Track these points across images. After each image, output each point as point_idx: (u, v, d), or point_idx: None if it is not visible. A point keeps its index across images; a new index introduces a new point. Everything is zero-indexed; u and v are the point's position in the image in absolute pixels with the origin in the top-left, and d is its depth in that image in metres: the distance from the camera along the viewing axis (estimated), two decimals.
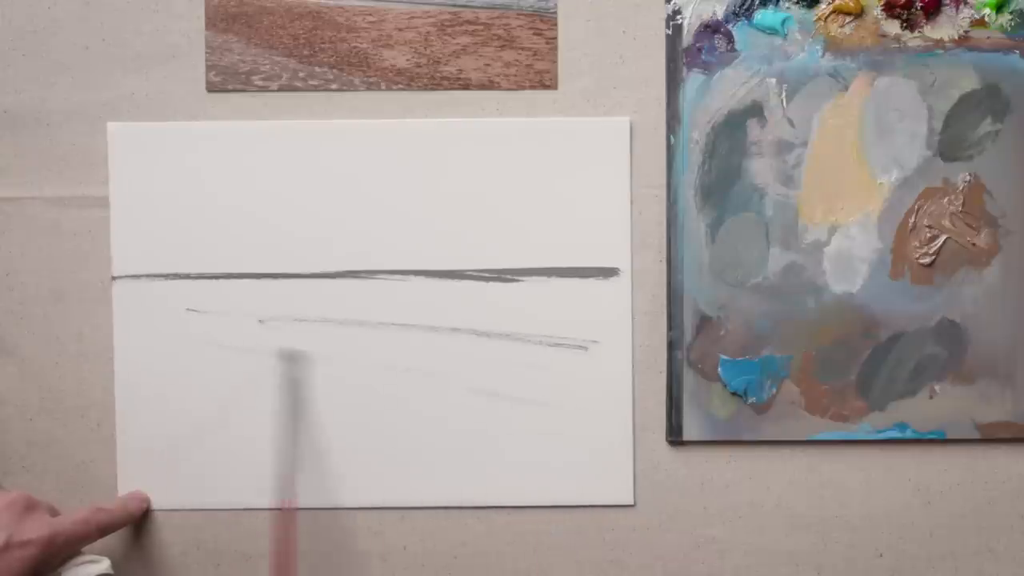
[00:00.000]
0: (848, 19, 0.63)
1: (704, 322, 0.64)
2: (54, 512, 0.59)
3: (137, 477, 0.64)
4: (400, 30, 0.64)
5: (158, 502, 0.64)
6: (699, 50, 0.63)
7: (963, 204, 0.64)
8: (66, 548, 0.57)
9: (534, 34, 0.64)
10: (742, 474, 0.65)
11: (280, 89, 0.64)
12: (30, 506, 0.56)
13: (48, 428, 0.64)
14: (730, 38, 0.63)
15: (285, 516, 0.62)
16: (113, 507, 0.61)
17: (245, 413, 0.64)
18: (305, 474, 0.64)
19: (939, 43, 0.63)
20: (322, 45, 0.64)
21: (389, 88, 0.64)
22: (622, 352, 0.64)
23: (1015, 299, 0.64)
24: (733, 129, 0.63)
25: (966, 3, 0.63)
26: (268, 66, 0.64)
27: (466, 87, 0.64)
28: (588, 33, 0.64)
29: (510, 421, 0.64)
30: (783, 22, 0.63)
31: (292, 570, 0.61)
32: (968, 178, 0.63)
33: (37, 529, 0.55)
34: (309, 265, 0.64)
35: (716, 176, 0.63)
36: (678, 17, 0.63)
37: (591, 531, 0.65)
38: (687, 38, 0.63)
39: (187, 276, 0.64)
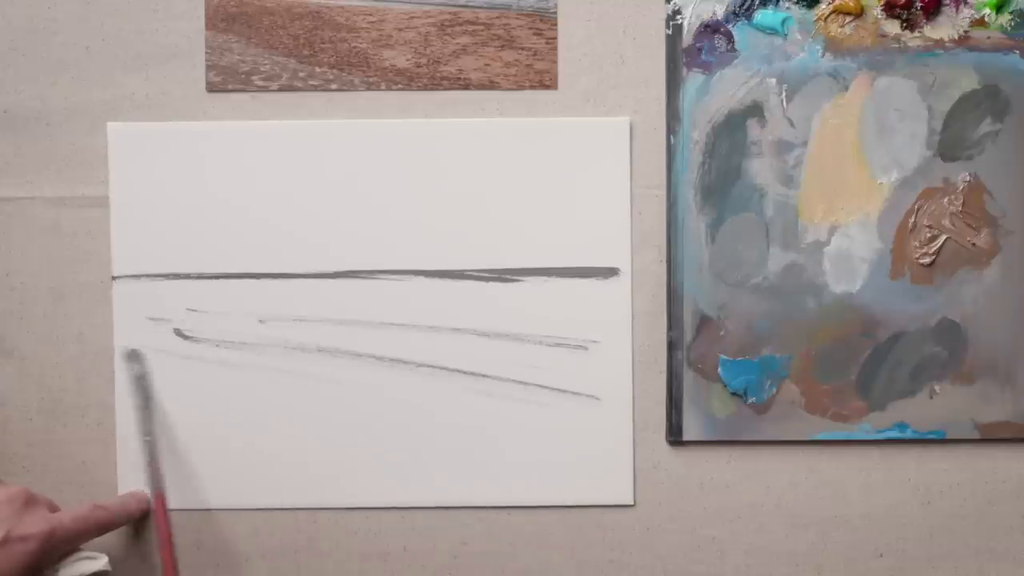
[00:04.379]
0: (848, 19, 0.63)
1: (704, 322, 0.64)
2: (53, 508, 0.59)
3: (137, 477, 0.64)
4: (400, 30, 0.64)
5: None
6: (699, 50, 0.63)
7: (963, 204, 0.64)
8: (65, 544, 0.57)
9: (534, 34, 0.64)
10: (742, 474, 0.65)
11: (280, 89, 0.64)
12: (30, 501, 0.56)
13: (48, 428, 0.64)
14: (730, 38, 0.63)
15: (159, 509, 0.63)
16: (112, 505, 0.61)
17: (245, 413, 0.64)
18: (307, 474, 0.64)
19: (939, 43, 0.63)
20: (322, 45, 0.64)
21: (389, 88, 0.64)
22: (622, 352, 0.64)
23: (1015, 299, 0.64)
24: (733, 129, 0.63)
25: (966, 3, 0.63)
26: (268, 66, 0.64)
27: (466, 87, 0.64)
28: (588, 33, 0.64)
29: (510, 421, 0.64)
30: (783, 22, 0.63)
31: (173, 565, 0.63)
32: (968, 178, 0.63)
33: (37, 524, 0.55)
34: (309, 265, 0.64)
35: (716, 176, 0.63)
36: (678, 17, 0.63)
37: (591, 531, 0.65)
38: (687, 38, 0.63)
39: (187, 276, 0.64)
